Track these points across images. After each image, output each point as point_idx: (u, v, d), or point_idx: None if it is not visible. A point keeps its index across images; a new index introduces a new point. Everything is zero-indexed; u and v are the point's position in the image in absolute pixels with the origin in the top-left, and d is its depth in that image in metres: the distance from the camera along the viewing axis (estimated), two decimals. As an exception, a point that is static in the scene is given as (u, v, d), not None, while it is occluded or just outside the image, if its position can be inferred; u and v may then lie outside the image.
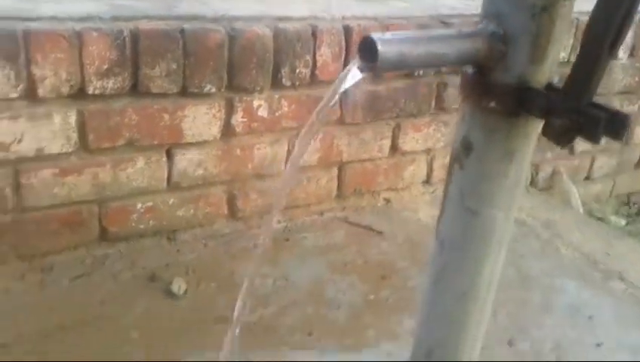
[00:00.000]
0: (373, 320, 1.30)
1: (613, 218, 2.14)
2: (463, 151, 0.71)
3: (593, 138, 0.58)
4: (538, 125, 0.69)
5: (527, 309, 1.39)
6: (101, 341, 1.16)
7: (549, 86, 0.63)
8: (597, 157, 2.13)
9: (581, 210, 2.02)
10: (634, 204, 2.27)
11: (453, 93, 1.70)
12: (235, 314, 0.90)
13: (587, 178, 2.15)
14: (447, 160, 1.89)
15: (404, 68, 0.59)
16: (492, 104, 0.64)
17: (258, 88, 1.40)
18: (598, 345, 1.30)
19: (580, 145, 2.04)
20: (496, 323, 1.32)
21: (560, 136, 0.60)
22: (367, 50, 0.58)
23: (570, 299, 1.45)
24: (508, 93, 0.63)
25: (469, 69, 0.66)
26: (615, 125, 0.57)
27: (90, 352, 1.13)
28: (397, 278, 1.45)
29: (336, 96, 0.60)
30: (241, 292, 0.91)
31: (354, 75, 0.60)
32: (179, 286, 1.31)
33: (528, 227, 1.75)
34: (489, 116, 0.67)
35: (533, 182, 2.01)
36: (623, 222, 2.14)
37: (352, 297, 1.37)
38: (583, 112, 0.58)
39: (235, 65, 1.34)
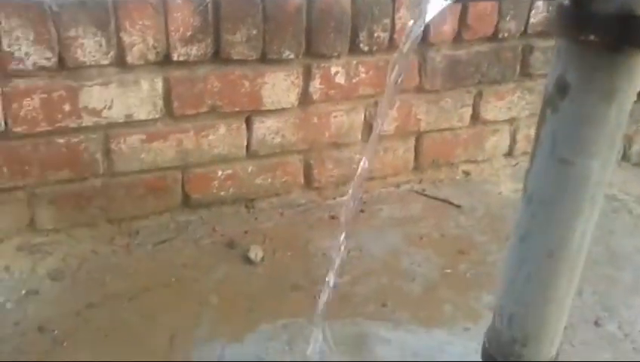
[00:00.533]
0: (449, 294, 1.27)
1: None
2: (558, 92, 0.67)
3: None
4: (643, 61, 0.64)
5: (616, 288, 1.31)
6: (182, 304, 1.20)
7: (657, 14, 0.58)
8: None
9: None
10: None
11: (540, 58, 1.61)
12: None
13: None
14: (532, 131, 1.80)
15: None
16: (591, 37, 0.60)
17: (335, 54, 1.40)
18: (695, 328, 1.21)
19: (681, 116, 1.88)
20: (582, 302, 1.26)
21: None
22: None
23: (665, 278, 1.36)
24: (609, 24, 0.58)
25: (565, 1, 0.62)
26: None
27: (172, 315, 1.17)
28: (476, 253, 1.41)
29: (424, 21, 0.57)
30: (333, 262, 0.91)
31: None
32: (256, 253, 1.34)
33: (620, 202, 1.65)
34: (587, 51, 0.62)
35: (625, 156, 1.88)
36: None
37: (428, 270, 1.34)
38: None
39: (313, 29, 1.34)
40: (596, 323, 1.22)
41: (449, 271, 1.35)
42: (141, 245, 1.37)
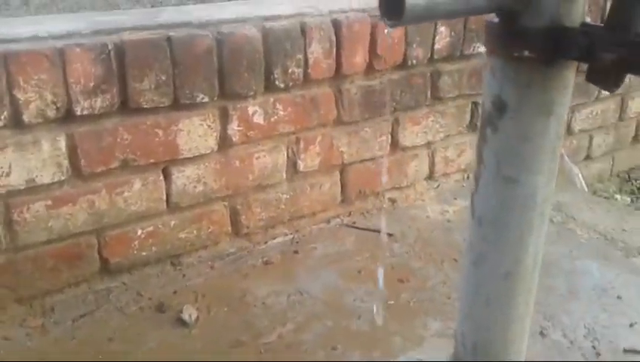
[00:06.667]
0: (396, 326, 1.24)
1: (618, 196, 2.11)
2: (496, 111, 0.66)
3: (646, 72, 0.54)
4: (574, 71, 0.64)
5: (553, 296, 1.35)
6: (113, 381, 1.09)
7: (585, 25, 0.59)
8: (594, 135, 2.10)
9: (586, 190, 1.98)
10: (635, 180, 2.24)
11: (448, 82, 1.66)
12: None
13: (587, 157, 2.12)
14: (448, 152, 1.85)
15: (432, 17, 0.54)
16: (525, 52, 0.60)
17: (251, 93, 1.35)
18: (632, 325, 1.26)
19: (578, 123, 2.02)
20: None
21: (608, 76, 0.55)
22: (390, 3, 0.53)
23: (595, 280, 1.41)
24: (542, 38, 0.59)
25: (494, 18, 0.62)
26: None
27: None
28: (415, 280, 1.40)
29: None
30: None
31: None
32: (189, 314, 1.24)
33: (540, 211, 1.71)
34: (522, 67, 0.62)
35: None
36: (628, 199, 2.11)
37: (372, 305, 1.31)
38: (634, 45, 0.53)
39: (225, 70, 1.29)
40: (542, 334, 1.23)
41: (392, 302, 1.32)
42: (58, 323, 1.23)
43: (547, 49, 0.59)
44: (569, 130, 2.01)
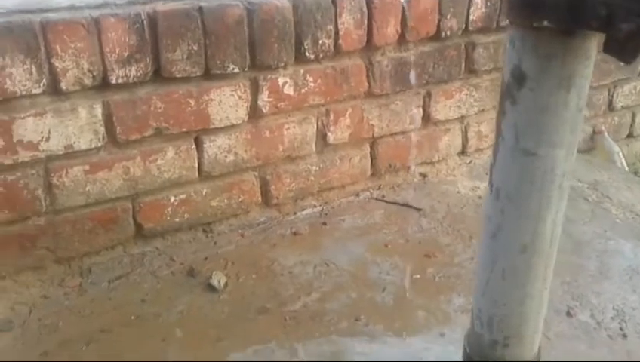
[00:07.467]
0: (421, 300, 1.25)
1: (660, 177, 2.04)
2: (515, 83, 0.66)
3: (666, 42, 0.52)
4: (596, 43, 0.63)
5: (583, 276, 1.33)
6: (145, 342, 1.14)
7: (608, -6, 0.57)
8: (638, 112, 2.03)
9: (627, 169, 1.92)
10: (680, 160, 2.16)
11: (483, 55, 1.63)
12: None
13: (629, 135, 2.05)
14: (482, 127, 1.82)
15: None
16: (545, 22, 0.59)
17: (282, 64, 1.36)
18: (663, 308, 1.23)
19: (620, 99, 1.95)
20: (552, 292, 1.24)
21: (625, 46, 0.54)
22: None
23: (628, 261, 1.38)
24: (561, 8, 0.57)
25: (516, -12, 0.61)
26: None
27: (136, 355, 1.10)
28: (442, 255, 1.40)
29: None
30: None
31: None
32: (219, 279, 1.28)
33: (574, 190, 1.67)
34: (542, 38, 0.61)
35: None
36: (672, 180, 2.03)
37: (397, 278, 1.32)
38: (654, 14, 0.51)
39: (256, 41, 1.30)
40: (568, 314, 1.22)
41: (418, 276, 1.33)
42: (95, 284, 1.29)
43: (566, 19, 0.57)
44: (610, 107, 1.95)
